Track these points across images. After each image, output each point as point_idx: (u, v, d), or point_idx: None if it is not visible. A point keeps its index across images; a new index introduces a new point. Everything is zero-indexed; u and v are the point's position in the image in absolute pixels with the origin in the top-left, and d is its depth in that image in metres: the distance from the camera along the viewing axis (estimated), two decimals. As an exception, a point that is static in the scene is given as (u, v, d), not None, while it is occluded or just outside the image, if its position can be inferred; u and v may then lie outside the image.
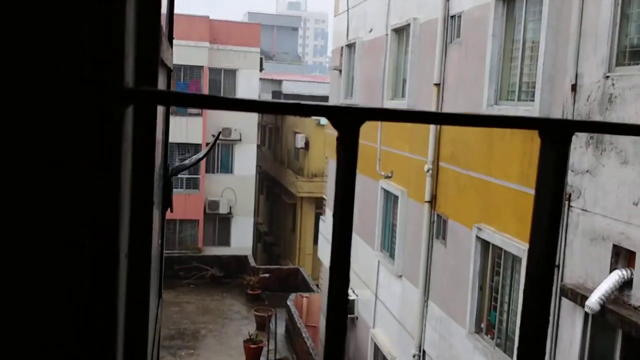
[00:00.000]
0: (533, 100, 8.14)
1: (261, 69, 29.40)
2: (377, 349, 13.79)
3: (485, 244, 9.42)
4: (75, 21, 0.62)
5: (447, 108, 10.80)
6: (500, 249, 8.95)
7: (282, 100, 0.65)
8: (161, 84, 1.77)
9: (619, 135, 6.36)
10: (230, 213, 28.50)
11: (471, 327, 9.67)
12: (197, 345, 19.52)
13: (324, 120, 25.28)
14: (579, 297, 6.73)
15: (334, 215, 0.63)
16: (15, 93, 0.62)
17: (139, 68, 0.88)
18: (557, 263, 6.77)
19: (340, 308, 0.63)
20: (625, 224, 6.31)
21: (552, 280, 0.69)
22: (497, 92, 9.21)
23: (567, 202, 7.15)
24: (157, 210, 1.77)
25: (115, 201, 0.66)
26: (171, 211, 2.49)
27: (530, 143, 8.04)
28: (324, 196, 20.09)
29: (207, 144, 25.26)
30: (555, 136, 0.67)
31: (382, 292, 13.73)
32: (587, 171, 6.95)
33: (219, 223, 28.78)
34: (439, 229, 11.03)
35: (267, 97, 34.26)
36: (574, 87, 7.19)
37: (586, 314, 6.74)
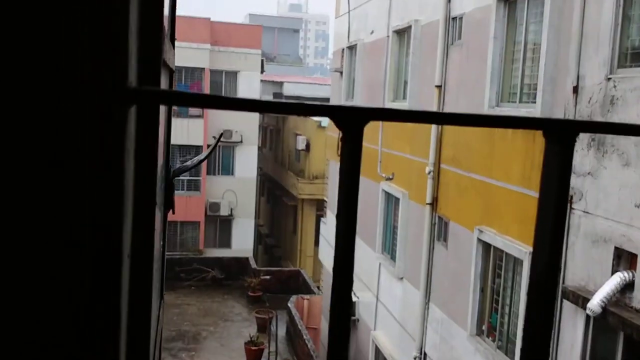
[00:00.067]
0: (535, 102, 8.13)
1: (262, 71, 29.43)
2: (378, 351, 13.78)
3: (486, 246, 9.41)
4: (75, 21, 0.62)
5: (448, 110, 10.79)
6: (502, 251, 8.93)
7: (285, 100, 0.65)
8: (163, 85, 1.77)
9: (620, 138, 6.35)
10: (231, 215, 28.50)
11: (472, 329, 9.65)
12: (198, 347, 19.51)
13: (325, 122, 25.31)
14: (580, 299, 6.72)
15: (338, 216, 0.62)
16: (16, 93, 0.61)
17: (142, 68, 0.88)
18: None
19: (344, 309, 0.62)
20: (627, 226, 6.30)
21: (556, 283, 0.69)
22: (499, 94, 9.21)
23: (569, 204, 7.14)
24: (159, 212, 1.77)
25: (116, 201, 0.66)
26: (173, 212, 2.49)
27: (531, 145, 8.03)
28: (325, 198, 20.09)
29: (208, 145, 25.29)
30: (560, 136, 0.67)
31: (383, 294, 13.72)
32: (588, 173, 6.94)
33: (220, 225, 28.78)
34: (440, 231, 11.02)
35: (269, 98, 34.20)
36: (575, 89, 7.18)
37: (588, 317, 6.73)
